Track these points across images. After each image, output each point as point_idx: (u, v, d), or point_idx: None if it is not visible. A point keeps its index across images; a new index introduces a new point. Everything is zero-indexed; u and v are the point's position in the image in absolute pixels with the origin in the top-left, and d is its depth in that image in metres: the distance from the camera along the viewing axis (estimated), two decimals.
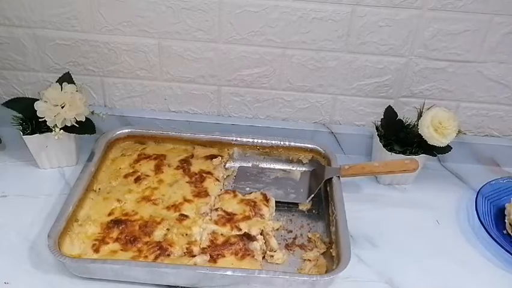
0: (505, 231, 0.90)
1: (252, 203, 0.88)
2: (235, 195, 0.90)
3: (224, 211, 0.86)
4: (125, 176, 0.92)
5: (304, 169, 1.01)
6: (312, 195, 0.92)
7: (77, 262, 0.75)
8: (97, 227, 0.82)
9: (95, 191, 0.89)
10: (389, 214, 0.93)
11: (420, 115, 0.95)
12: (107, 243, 0.79)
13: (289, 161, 1.02)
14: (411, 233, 0.89)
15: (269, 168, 1.01)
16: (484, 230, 0.87)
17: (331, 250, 0.82)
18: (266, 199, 0.90)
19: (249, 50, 0.98)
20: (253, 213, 0.86)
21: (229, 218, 0.85)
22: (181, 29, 0.95)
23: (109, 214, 0.84)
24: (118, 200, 0.87)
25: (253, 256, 0.79)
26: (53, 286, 0.75)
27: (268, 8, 0.92)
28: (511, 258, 0.84)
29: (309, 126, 1.07)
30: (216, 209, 0.87)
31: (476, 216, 0.90)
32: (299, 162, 1.02)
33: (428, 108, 0.94)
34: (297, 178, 0.99)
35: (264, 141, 1.01)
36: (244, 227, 0.83)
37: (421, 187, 1.00)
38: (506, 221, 0.91)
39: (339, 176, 0.92)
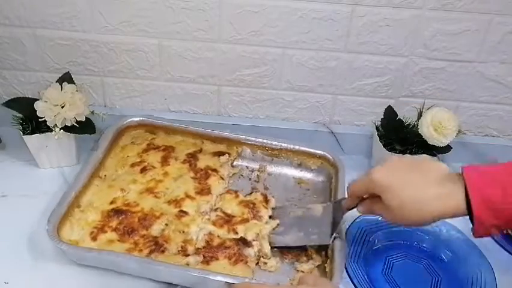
0: (505, 231, 0.90)
1: (251, 205, 0.87)
2: (236, 196, 0.90)
3: (223, 212, 0.86)
4: (132, 165, 0.92)
5: (325, 204, 0.87)
6: (334, 234, 0.80)
7: (74, 249, 0.76)
8: (98, 214, 0.82)
9: (101, 177, 0.90)
10: None
11: (420, 115, 0.95)
12: (106, 232, 0.79)
13: (298, 165, 1.00)
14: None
15: (290, 206, 0.92)
16: None
17: (325, 265, 0.79)
18: (266, 200, 0.89)
19: (249, 50, 0.98)
20: (252, 216, 0.85)
21: (227, 220, 0.84)
22: (181, 28, 0.95)
23: (111, 202, 0.84)
24: (122, 189, 0.87)
25: (246, 262, 0.78)
26: (52, 285, 0.75)
27: (268, 8, 0.92)
28: (511, 258, 0.84)
29: (309, 126, 1.07)
30: (215, 209, 0.87)
31: None
32: (308, 168, 0.99)
33: (428, 108, 0.94)
34: (318, 214, 0.87)
35: (273, 142, 0.99)
36: (241, 230, 0.82)
37: None
38: None
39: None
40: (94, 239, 0.78)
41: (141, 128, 1.02)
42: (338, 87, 1.02)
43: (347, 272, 0.77)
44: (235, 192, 0.91)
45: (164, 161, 0.94)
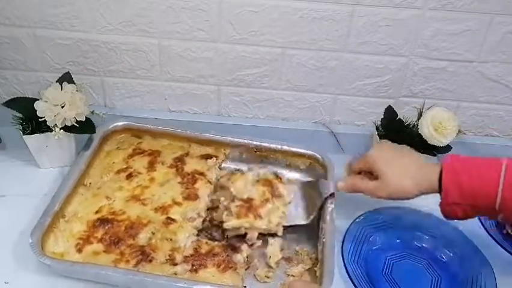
0: (505, 231, 0.90)
1: (268, 182, 0.87)
2: (242, 174, 0.90)
3: (241, 199, 0.84)
4: (118, 172, 0.91)
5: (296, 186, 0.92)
6: (314, 214, 0.85)
7: (57, 263, 0.74)
8: (83, 224, 0.80)
9: (86, 185, 0.88)
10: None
11: (420, 115, 0.95)
12: (91, 243, 0.78)
13: (287, 166, 0.99)
14: None
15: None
16: (484, 230, 0.87)
17: (315, 268, 0.79)
18: (278, 177, 0.90)
19: (249, 50, 0.98)
20: (271, 195, 0.85)
21: (248, 207, 0.83)
22: (181, 28, 0.95)
23: (97, 212, 0.83)
24: (107, 198, 0.86)
25: (236, 269, 0.77)
26: (53, 285, 0.76)
27: (268, 8, 0.92)
28: (511, 258, 0.84)
29: (309, 126, 1.07)
30: (233, 200, 0.84)
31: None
32: (297, 168, 0.98)
33: (428, 108, 0.94)
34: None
35: (261, 144, 0.98)
36: (265, 214, 0.82)
37: None
38: None
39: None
40: (79, 250, 0.76)
41: (127, 132, 1.00)
42: (338, 87, 1.02)
43: (347, 271, 0.77)
44: (239, 171, 0.91)
45: (151, 166, 0.92)
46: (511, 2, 0.89)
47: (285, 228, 0.85)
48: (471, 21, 0.92)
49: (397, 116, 0.99)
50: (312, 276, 0.79)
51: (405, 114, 0.99)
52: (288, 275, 0.80)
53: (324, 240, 0.80)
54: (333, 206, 0.85)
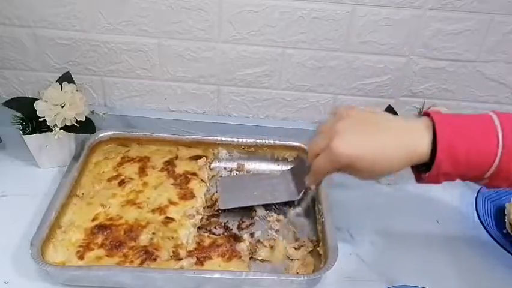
0: (505, 231, 0.90)
1: None
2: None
3: None
4: (109, 180, 0.91)
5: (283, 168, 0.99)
6: (304, 190, 0.87)
7: (61, 270, 0.74)
8: (81, 233, 0.80)
9: (78, 196, 0.88)
10: (389, 214, 0.93)
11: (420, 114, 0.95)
12: (92, 249, 0.78)
13: (275, 160, 1.01)
14: (411, 233, 0.89)
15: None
16: (484, 230, 0.87)
17: (318, 248, 0.82)
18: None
19: (249, 50, 0.98)
20: None
21: None
22: (181, 28, 0.95)
23: (93, 219, 0.83)
24: (102, 205, 0.85)
25: (240, 257, 0.79)
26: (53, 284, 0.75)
27: (268, 8, 0.92)
28: (511, 258, 0.84)
29: (309, 125, 1.07)
30: None
31: (476, 216, 0.90)
32: (284, 160, 1.01)
33: (428, 108, 0.94)
34: (276, 178, 0.95)
35: (248, 140, 1.00)
36: None
37: (421, 187, 1.00)
38: (506, 220, 0.91)
39: None
40: (81, 258, 0.76)
41: (113, 142, 0.99)
42: (338, 87, 1.02)
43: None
44: None
45: (142, 171, 0.93)
46: (511, 2, 0.89)
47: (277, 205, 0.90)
48: (471, 21, 0.92)
49: (397, 115, 0.99)
50: (315, 257, 0.81)
51: (405, 114, 1.00)
52: (292, 259, 0.82)
53: (323, 220, 0.83)
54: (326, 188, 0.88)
